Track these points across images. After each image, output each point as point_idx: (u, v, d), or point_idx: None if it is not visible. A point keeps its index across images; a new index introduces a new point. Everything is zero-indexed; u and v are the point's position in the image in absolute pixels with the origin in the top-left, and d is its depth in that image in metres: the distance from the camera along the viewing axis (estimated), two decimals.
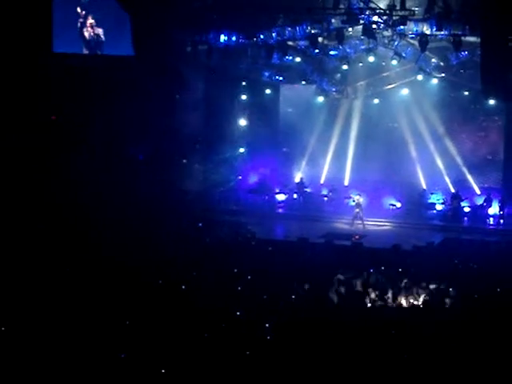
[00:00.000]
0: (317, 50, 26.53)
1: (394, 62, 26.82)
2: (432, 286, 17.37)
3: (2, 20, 24.05)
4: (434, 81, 28.81)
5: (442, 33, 24.14)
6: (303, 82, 30.59)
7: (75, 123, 26.11)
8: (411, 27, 24.40)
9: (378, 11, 24.16)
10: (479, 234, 26.47)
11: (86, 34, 25.55)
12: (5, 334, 13.18)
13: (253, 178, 31.72)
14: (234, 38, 25.88)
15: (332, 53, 27.20)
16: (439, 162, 29.74)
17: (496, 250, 22.82)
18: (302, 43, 26.35)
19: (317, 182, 31.35)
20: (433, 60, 27.30)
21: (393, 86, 29.87)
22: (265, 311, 14.98)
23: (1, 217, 22.40)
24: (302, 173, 31.55)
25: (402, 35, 24.87)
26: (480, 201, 28.79)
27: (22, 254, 18.90)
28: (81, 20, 25.48)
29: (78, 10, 25.41)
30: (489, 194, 28.53)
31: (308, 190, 30.88)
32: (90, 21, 25.40)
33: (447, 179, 29.71)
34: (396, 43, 25.34)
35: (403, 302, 16.78)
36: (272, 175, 31.51)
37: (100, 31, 25.36)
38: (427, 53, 25.64)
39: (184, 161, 29.78)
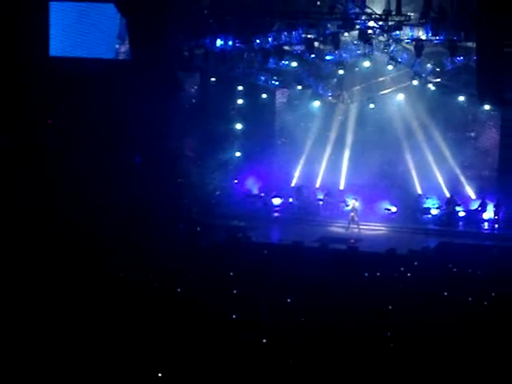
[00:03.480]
0: (313, 55, 26.58)
1: (390, 67, 26.90)
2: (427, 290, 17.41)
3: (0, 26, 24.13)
4: (430, 86, 28.87)
5: (438, 38, 24.23)
6: (299, 87, 30.64)
7: (71, 126, 26.13)
8: (407, 32, 24.53)
9: (373, 16, 24.28)
10: (474, 238, 26.55)
11: None
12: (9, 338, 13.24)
13: (249, 182, 31.77)
14: (230, 43, 25.92)
15: (328, 57, 27.23)
16: (434, 167, 29.78)
17: (491, 255, 22.89)
18: (298, 48, 26.40)
19: (312, 185, 31.38)
20: (428, 65, 27.37)
21: (388, 90, 29.92)
22: (261, 314, 15.03)
23: None
24: (298, 179, 31.60)
25: (398, 40, 24.99)
26: (475, 205, 28.85)
27: (17, 257, 18.91)
28: None
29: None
30: (484, 198, 28.59)
31: (304, 191, 30.98)
32: None
33: (442, 184, 29.76)
34: (392, 48, 25.44)
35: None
36: (268, 179, 31.56)
37: None
38: (423, 58, 25.73)
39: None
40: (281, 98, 32.45)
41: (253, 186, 31.73)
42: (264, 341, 13.34)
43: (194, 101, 30.62)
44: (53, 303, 15.26)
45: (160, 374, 11.78)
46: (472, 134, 29.94)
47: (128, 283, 17.29)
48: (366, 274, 18.80)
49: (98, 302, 15.60)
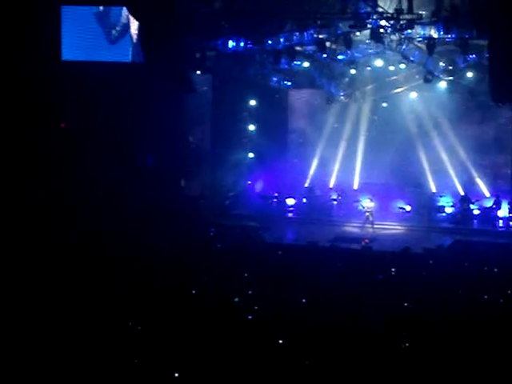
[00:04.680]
0: (325, 55, 26.57)
1: (402, 66, 26.87)
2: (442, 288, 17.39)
3: (12, 30, 24.27)
4: (442, 84, 28.83)
5: (450, 36, 24.17)
6: (311, 87, 30.66)
7: (84, 130, 26.25)
8: (419, 31, 24.45)
9: (385, 15, 24.20)
10: (489, 236, 26.52)
11: None
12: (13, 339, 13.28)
13: (263, 183, 31.83)
14: (242, 44, 25.94)
15: (340, 57, 27.25)
16: (448, 165, 29.78)
17: (506, 252, 22.83)
18: (310, 48, 26.40)
19: (326, 185, 31.42)
20: (441, 63, 27.33)
21: (401, 89, 29.93)
22: (276, 315, 15.04)
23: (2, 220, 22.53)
24: (312, 179, 31.66)
25: (410, 39, 24.93)
26: (489, 203, 28.81)
27: (22, 258, 18.97)
28: None
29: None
30: (498, 196, 28.55)
31: (318, 191, 31.04)
32: None
33: (456, 182, 29.75)
34: (404, 47, 25.39)
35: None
36: (281, 179, 31.62)
37: None
38: (435, 56, 25.69)
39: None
40: (293, 98, 32.55)
41: (266, 186, 31.80)
42: (280, 341, 13.36)
43: (209, 101, 30.74)
44: (65, 304, 15.33)
45: (177, 374, 11.83)
46: (486, 132, 29.94)
47: (141, 285, 17.32)
48: (381, 275, 18.78)
49: (112, 303, 15.65)
